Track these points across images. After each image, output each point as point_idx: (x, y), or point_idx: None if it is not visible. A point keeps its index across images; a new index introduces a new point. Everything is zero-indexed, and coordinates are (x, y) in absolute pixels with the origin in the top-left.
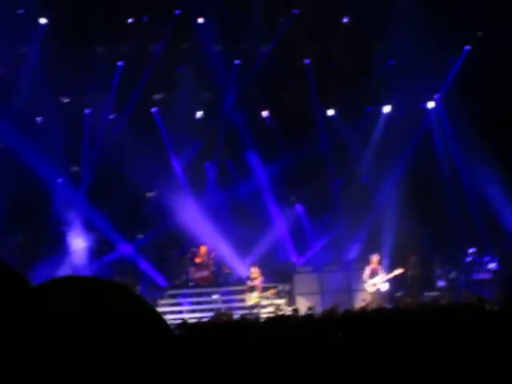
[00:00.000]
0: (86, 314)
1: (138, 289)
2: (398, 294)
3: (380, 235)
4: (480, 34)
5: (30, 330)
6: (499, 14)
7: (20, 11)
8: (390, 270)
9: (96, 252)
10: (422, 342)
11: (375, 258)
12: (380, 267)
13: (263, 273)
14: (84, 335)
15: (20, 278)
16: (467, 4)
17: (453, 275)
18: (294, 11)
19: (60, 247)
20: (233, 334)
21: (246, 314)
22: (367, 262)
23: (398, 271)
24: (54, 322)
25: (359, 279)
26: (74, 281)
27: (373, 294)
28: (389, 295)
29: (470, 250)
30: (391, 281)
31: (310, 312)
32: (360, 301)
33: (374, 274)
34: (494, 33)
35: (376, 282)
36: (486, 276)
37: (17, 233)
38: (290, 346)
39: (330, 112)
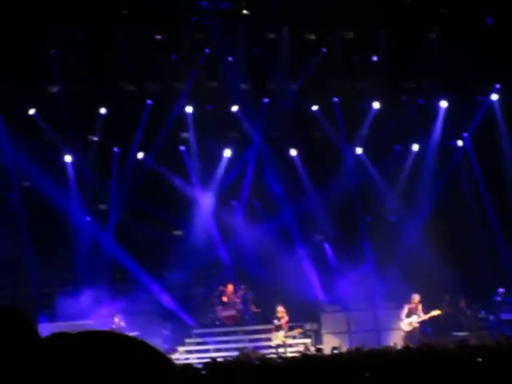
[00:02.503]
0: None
1: (166, 329)
2: (427, 332)
3: (408, 274)
4: (509, 71)
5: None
6: None
7: (51, 51)
8: (423, 310)
9: (122, 290)
10: (447, 381)
11: (416, 297)
12: (419, 307)
13: (290, 311)
14: None
15: (31, 330)
16: (496, 42)
17: (482, 315)
18: (323, 50)
19: (87, 284)
20: (258, 374)
21: (272, 354)
22: (408, 301)
23: (436, 313)
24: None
25: (387, 318)
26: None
27: (407, 332)
28: (419, 334)
29: (500, 290)
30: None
31: (335, 351)
32: (389, 340)
33: (411, 313)
34: None
35: (412, 321)
36: None
37: (45, 271)
38: None
39: (359, 150)
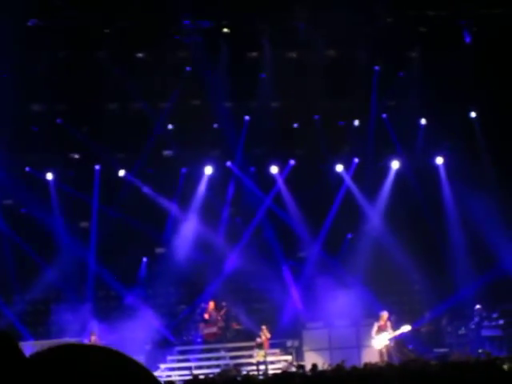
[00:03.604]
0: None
1: (148, 346)
2: (407, 349)
3: (389, 291)
4: (485, 91)
5: None
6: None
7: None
8: (397, 326)
9: (105, 307)
10: None
11: (384, 314)
12: (388, 323)
13: (272, 328)
14: None
15: (12, 347)
16: (474, 63)
17: (462, 331)
18: (304, 68)
19: (70, 302)
20: None
21: (254, 370)
22: (377, 318)
23: (405, 328)
24: None
25: (368, 335)
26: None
27: (380, 350)
28: (397, 350)
29: (476, 307)
30: (400, 336)
31: (315, 368)
32: (369, 357)
33: (381, 331)
34: (499, 93)
35: (383, 338)
36: (496, 333)
37: (27, 289)
38: None
39: (339, 168)
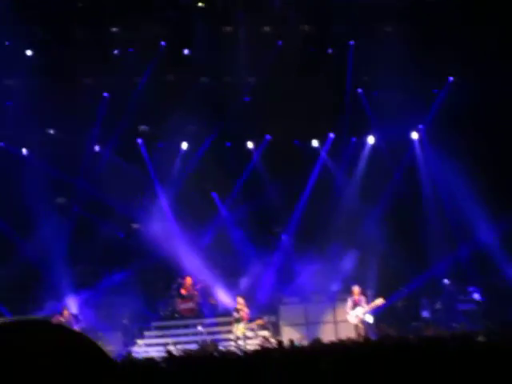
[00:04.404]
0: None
1: (125, 321)
2: (383, 324)
3: (365, 266)
4: (462, 65)
5: None
6: (482, 45)
7: (7, 43)
8: (366, 301)
9: (82, 283)
10: (405, 373)
11: (356, 289)
12: (362, 298)
13: (249, 304)
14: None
15: None
16: (450, 36)
17: (438, 306)
18: (279, 42)
19: (45, 279)
20: (217, 366)
21: (232, 346)
22: (350, 293)
23: (379, 301)
24: None
25: (344, 310)
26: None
27: (356, 325)
28: (374, 326)
29: (445, 281)
30: (376, 311)
31: (293, 344)
32: (345, 332)
33: (355, 305)
34: (476, 64)
35: (358, 313)
36: (471, 306)
37: (3, 264)
38: (274, 379)
39: (315, 143)
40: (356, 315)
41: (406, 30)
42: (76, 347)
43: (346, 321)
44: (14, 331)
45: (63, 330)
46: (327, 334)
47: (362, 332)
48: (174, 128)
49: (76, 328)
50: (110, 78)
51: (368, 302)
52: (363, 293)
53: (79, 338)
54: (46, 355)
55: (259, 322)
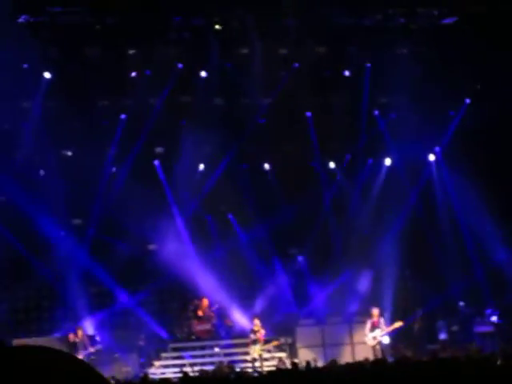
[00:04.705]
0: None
1: (141, 342)
2: (400, 345)
3: (382, 287)
4: (478, 87)
5: None
6: (497, 67)
7: (24, 66)
8: (390, 323)
9: (98, 305)
10: None
11: (375, 311)
12: (381, 320)
13: (265, 325)
14: None
15: None
16: (466, 58)
17: (455, 328)
18: (295, 65)
19: (61, 300)
20: None
21: (248, 367)
22: (369, 315)
23: (398, 324)
24: None
25: (361, 332)
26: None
27: (373, 347)
28: (390, 347)
29: (460, 304)
30: (393, 333)
31: (310, 365)
32: (362, 354)
33: (374, 328)
34: (492, 85)
35: (376, 335)
36: (488, 329)
37: (19, 286)
38: None
39: (332, 165)
40: (374, 337)
41: (422, 52)
42: (73, 373)
43: (363, 342)
44: (12, 356)
45: (62, 356)
46: (344, 356)
47: (379, 354)
48: (190, 149)
49: (91, 349)
50: (126, 100)
51: (386, 324)
52: (382, 315)
53: (78, 364)
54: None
55: (275, 343)
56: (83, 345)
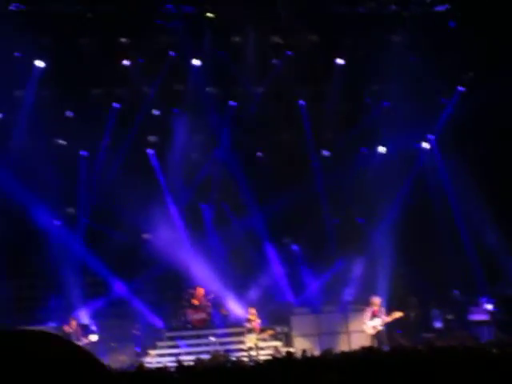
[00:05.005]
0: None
1: (137, 331)
2: (396, 334)
3: (376, 276)
4: (471, 74)
5: None
6: (491, 55)
7: (17, 54)
8: (388, 311)
9: (92, 294)
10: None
11: (376, 299)
12: (381, 309)
13: (260, 314)
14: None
15: None
16: (459, 46)
17: (450, 316)
18: (288, 53)
19: (56, 290)
20: (229, 376)
21: (243, 356)
22: (367, 303)
23: (398, 314)
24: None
25: (357, 320)
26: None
27: (372, 336)
28: (386, 336)
29: (455, 292)
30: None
31: (306, 354)
32: (358, 342)
33: (374, 316)
34: (485, 73)
35: (376, 324)
36: (484, 317)
37: (13, 276)
38: None
39: (325, 153)
40: (374, 326)
41: (415, 39)
42: (72, 357)
43: (359, 331)
44: (15, 341)
45: (60, 341)
46: (340, 345)
47: (377, 343)
48: (183, 138)
49: (85, 340)
50: (119, 89)
51: (386, 314)
52: (381, 304)
53: (74, 348)
54: (44, 364)
55: (270, 332)
56: (76, 336)
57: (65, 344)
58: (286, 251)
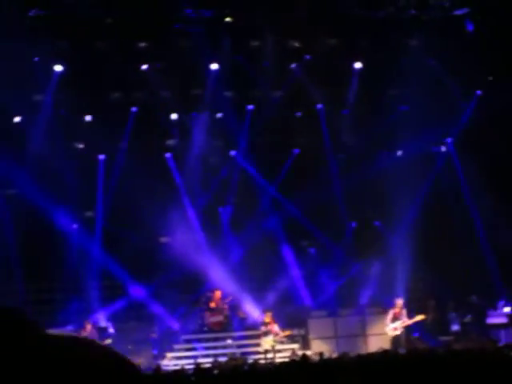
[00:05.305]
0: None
1: (154, 334)
2: (413, 337)
3: (394, 278)
4: (490, 78)
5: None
6: (509, 58)
7: (36, 59)
8: (408, 314)
9: (110, 297)
10: None
11: (399, 301)
12: (403, 311)
13: (277, 317)
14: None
15: (29, 325)
16: (478, 50)
17: (467, 319)
18: (306, 57)
19: (74, 293)
20: (247, 379)
21: (260, 359)
22: (384, 307)
23: (420, 317)
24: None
25: (374, 323)
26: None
27: (393, 337)
28: (404, 339)
29: (473, 297)
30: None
31: (322, 357)
32: (375, 345)
33: (395, 319)
34: (504, 77)
35: (397, 326)
36: (502, 320)
37: (31, 279)
38: None
39: (343, 156)
40: (395, 327)
41: (433, 43)
42: (106, 360)
43: (376, 334)
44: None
45: (93, 345)
46: (358, 348)
47: (398, 345)
48: (201, 142)
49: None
50: (137, 93)
51: (408, 316)
52: (405, 306)
53: (107, 352)
54: (81, 368)
55: (287, 332)
56: (92, 338)
57: (101, 348)
58: (304, 254)
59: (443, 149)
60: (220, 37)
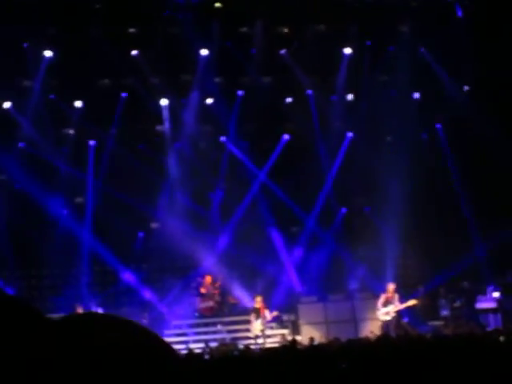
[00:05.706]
0: (102, 351)
1: (145, 320)
2: (403, 322)
3: (384, 265)
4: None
5: (46, 364)
6: (499, 45)
7: (25, 45)
8: (399, 299)
9: (100, 283)
10: (424, 372)
11: (391, 286)
12: (395, 296)
13: (267, 303)
14: (102, 372)
15: (35, 312)
16: (467, 35)
17: (457, 304)
18: (295, 43)
19: (65, 279)
20: (237, 365)
21: (251, 344)
22: (374, 292)
23: (412, 303)
24: (71, 358)
25: (364, 308)
26: (92, 318)
27: (384, 322)
28: (394, 324)
29: (464, 283)
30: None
31: (312, 342)
32: (366, 330)
33: (387, 303)
34: (494, 65)
35: (389, 310)
36: (491, 305)
37: (21, 264)
38: (293, 377)
39: (332, 144)
40: (387, 312)
41: (423, 29)
42: (143, 341)
43: (366, 319)
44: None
45: (131, 325)
46: (348, 333)
47: (390, 330)
48: (191, 127)
49: None
50: (127, 79)
51: (400, 301)
52: (396, 291)
53: (144, 332)
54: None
55: (274, 313)
56: None
57: (141, 329)
58: (293, 240)
59: (432, 135)
60: (209, 23)
